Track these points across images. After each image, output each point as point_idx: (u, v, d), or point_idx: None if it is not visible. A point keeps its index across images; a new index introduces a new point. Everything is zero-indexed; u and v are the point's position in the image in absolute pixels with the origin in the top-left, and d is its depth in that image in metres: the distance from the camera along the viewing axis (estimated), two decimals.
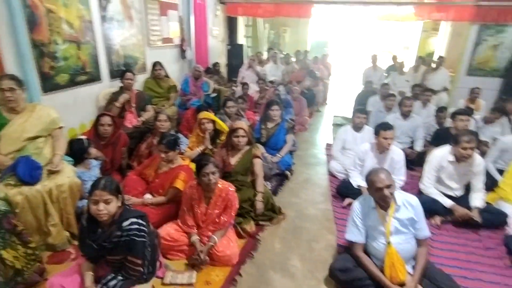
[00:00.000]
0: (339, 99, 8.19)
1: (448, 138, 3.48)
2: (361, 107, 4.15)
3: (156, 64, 4.51)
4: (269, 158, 3.69)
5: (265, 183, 3.26)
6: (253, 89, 5.97)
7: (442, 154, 2.95)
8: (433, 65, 6.53)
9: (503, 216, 2.77)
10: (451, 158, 2.90)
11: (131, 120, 3.71)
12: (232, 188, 2.37)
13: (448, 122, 4.27)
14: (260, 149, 3.07)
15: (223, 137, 3.36)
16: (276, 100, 4.09)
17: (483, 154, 3.60)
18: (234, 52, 7.47)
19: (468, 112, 3.67)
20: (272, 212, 2.84)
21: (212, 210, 2.33)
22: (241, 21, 8.62)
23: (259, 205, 2.75)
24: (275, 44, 10.43)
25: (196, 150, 3.42)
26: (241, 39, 8.55)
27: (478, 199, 2.85)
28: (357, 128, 3.79)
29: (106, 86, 3.90)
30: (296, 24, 10.70)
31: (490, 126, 4.22)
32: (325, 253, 2.45)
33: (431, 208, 2.84)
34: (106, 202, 1.65)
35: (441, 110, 4.41)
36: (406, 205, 2.05)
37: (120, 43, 4.10)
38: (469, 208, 2.81)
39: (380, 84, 6.12)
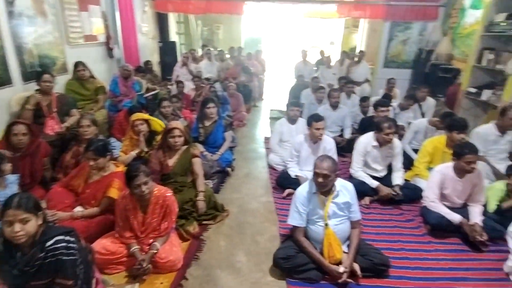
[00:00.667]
0: (275, 93, 8.40)
1: (373, 125, 3.79)
2: (294, 100, 4.31)
3: (78, 64, 4.09)
4: (209, 156, 3.64)
5: (206, 181, 3.21)
6: (189, 87, 5.81)
7: (367, 141, 3.21)
8: (356, 59, 7.06)
9: (419, 190, 3.10)
10: (375, 143, 3.17)
11: (53, 127, 3.33)
12: (169, 193, 2.26)
13: (371, 111, 4.65)
14: (198, 148, 3.00)
15: (159, 138, 3.20)
16: (211, 97, 4.02)
17: (400, 137, 4.01)
18: (167, 49, 7.18)
19: (387, 104, 4.03)
20: (215, 210, 2.80)
21: (150, 219, 2.19)
22: (172, 18, 8.29)
23: (201, 205, 2.69)
24: (208, 41, 10.27)
25: (130, 154, 3.20)
26: (173, 36, 8.24)
27: (398, 177, 3.17)
28: (292, 120, 3.92)
29: (19, 90, 3.43)
30: (229, 20, 10.65)
31: (405, 112, 4.69)
32: (270, 245, 2.49)
33: (360, 190, 3.02)
34: (23, 221, 1.45)
35: (364, 99, 4.79)
36: (343, 190, 2.19)
37: (33, 42, 3.63)
38: (392, 186, 3.11)
39: (310, 77, 6.43)
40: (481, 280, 2.19)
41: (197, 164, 2.87)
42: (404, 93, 6.49)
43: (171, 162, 2.85)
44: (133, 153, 3.19)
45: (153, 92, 5.43)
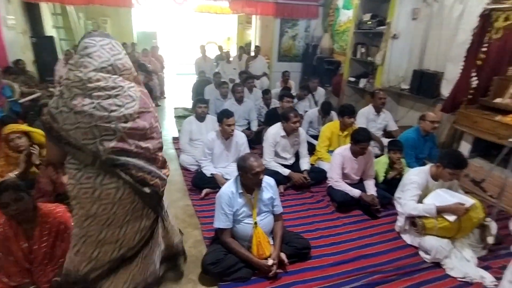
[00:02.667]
0: (177, 91, 7.98)
1: (277, 116, 3.92)
2: (200, 97, 4.11)
3: None
4: None
5: None
6: None
7: (275, 131, 3.28)
8: (252, 54, 7.23)
9: (324, 173, 3.36)
10: (283, 133, 3.27)
11: None
12: (60, 207, 1.86)
13: (274, 103, 4.82)
14: None
15: (45, 152, 2.61)
16: None
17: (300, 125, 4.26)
18: (43, 46, 5.97)
19: (292, 95, 4.22)
20: None
21: (38, 244, 1.76)
22: (46, 9, 6.93)
23: None
24: None
25: (8, 176, 2.52)
26: (49, 30, 6.91)
27: (305, 163, 3.36)
28: (201, 118, 3.74)
29: None
30: (117, 14, 9.53)
31: (302, 102, 5.03)
32: (195, 251, 2.31)
33: (274, 179, 3.13)
34: None
35: (266, 92, 4.92)
36: (267, 186, 2.15)
37: None
38: (301, 172, 3.28)
39: (212, 73, 6.30)
40: (381, 242, 2.49)
41: None
42: (298, 84, 7.04)
43: (66, 178, 2.35)
44: (12, 175, 2.52)
45: (31, 97, 4.47)
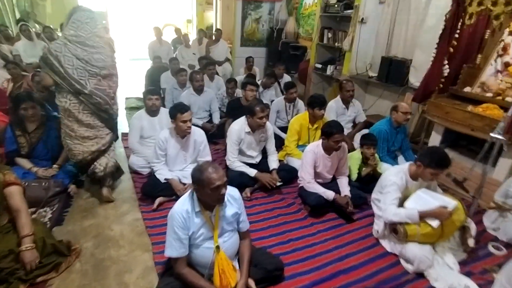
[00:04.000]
0: (129, 78, 7.16)
1: (240, 108, 3.50)
2: (150, 87, 3.51)
3: None
4: (41, 173, 2.57)
5: (39, 213, 2.24)
6: (3, 77, 4.13)
7: (239, 128, 2.86)
8: (214, 37, 6.63)
9: (294, 171, 3.02)
10: (247, 129, 2.86)
11: None
12: None
13: (237, 92, 4.37)
14: (11, 172, 1.95)
15: None
16: (29, 92, 2.79)
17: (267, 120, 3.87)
18: None
19: (256, 83, 3.78)
20: (57, 256, 1.92)
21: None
22: None
23: (29, 256, 1.76)
24: (29, 14, 7.76)
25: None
26: None
27: (274, 161, 2.99)
28: (152, 112, 3.20)
29: None
30: None
31: (268, 90, 4.63)
32: (144, 282, 1.87)
33: (240, 181, 2.75)
34: None
35: (229, 81, 4.44)
36: (230, 199, 1.74)
37: None
38: (269, 171, 2.92)
39: (168, 59, 5.64)
40: (360, 251, 2.22)
41: (15, 195, 1.87)
42: (262, 71, 6.61)
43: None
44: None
45: None
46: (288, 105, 4.00)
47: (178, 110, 2.55)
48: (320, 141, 2.68)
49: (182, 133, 2.67)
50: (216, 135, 3.91)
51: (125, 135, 3.84)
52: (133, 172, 3.08)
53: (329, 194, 2.54)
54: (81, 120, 2.36)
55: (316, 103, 3.13)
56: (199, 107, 4.03)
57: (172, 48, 6.92)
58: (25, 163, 2.62)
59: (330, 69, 5.12)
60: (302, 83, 5.81)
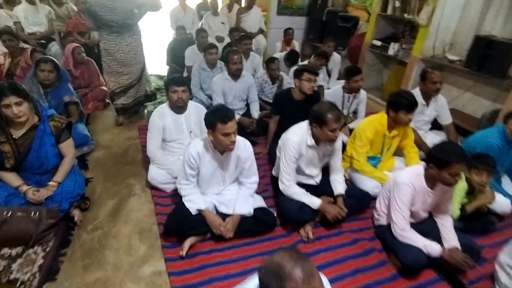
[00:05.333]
0: (148, 51, 6.25)
1: (292, 104, 2.67)
2: (176, 76, 2.60)
3: None
4: (31, 195, 1.88)
5: (29, 254, 1.59)
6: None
7: (299, 140, 2.03)
8: (245, 4, 5.59)
9: (367, 197, 2.23)
10: (311, 141, 2.03)
11: None
12: None
13: (286, 78, 3.51)
14: None
15: None
16: (14, 83, 1.94)
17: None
18: None
19: (315, 70, 2.86)
20: None
21: None
22: None
23: None
24: None
25: None
26: None
27: (340, 183, 2.18)
28: (178, 108, 2.39)
29: None
30: None
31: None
32: None
33: (299, 218, 2.01)
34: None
35: (271, 60, 3.52)
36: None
37: None
38: (332, 195, 2.13)
39: (194, 29, 4.72)
40: None
41: None
42: (300, 45, 5.59)
43: None
44: None
45: None
46: (348, 96, 3.11)
47: (218, 118, 1.73)
48: (420, 168, 1.83)
49: (223, 149, 1.88)
50: (254, 132, 3.10)
51: (143, 130, 3.09)
52: (153, 188, 2.35)
53: (435, 249, 1.73)
54: (116, 58, 3.02)
55: (403, 105, 2.24)
56: (235, 96, 3.20)
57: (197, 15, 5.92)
58: (11, 178, 1.93)
59: (393, 48, 4.08)
60: (352, 62, 4.80)
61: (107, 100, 3.61)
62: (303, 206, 2.00)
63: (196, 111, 2.44)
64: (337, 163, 2.22)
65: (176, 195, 2.12)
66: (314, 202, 2.02)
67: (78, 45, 3.45)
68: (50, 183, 1.99)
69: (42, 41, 3.94)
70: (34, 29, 4.04)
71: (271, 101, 3.50)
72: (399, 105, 2.25)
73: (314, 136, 2.02)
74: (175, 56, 4.43)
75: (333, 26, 5.09)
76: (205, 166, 1.94)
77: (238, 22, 5.33)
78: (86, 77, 3.53)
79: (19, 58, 3.30)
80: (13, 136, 1.92)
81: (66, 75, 2.71)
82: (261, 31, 5.44)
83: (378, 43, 4.29)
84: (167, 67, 4.68)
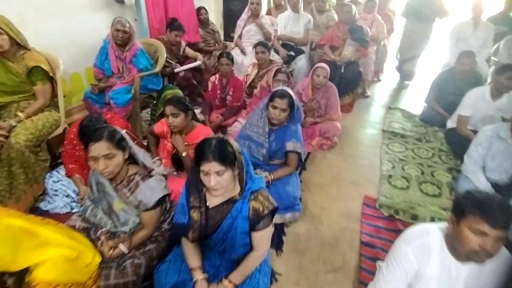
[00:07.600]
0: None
1: None
2: None
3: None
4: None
5: None
6: (248, 60, 3.33)
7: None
8: None
9: None
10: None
11: None
12: None
13: None
14: None
15: None
16: (221, 149, 1.27)
17: None
18: None
19: None
20: None
21: None
22: None
23: None
24: None
25: None
26: None
27: None
28: None
29: None
30: None
31: None
32: None
33: None
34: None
35: None
36: None
37: None
38: None
39: None
40: None
41: None
42: None
43: None
44: None
45: (188, 66, 3.18)
46: None
47: None
48: None
49: None
50: None
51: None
52: None
53: None
54: None
55: None
56: None
57: None
58: (192, 254, 1.42)
59: None
60: None
61: (335, 139, 2.81)
62: None
63: None
64: None
65: None
66: None
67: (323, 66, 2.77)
68: (224, 281, 1.36)
69: (292, 53, 3.62)
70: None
71: None
72: None
73: None
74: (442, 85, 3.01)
75: None
76: None
77: None
78: (323, 105, 2.85)
79: (265, 71, 3.04)
80: (207, 204, 1.39)
81: (299, 115, 2.00)
82: None
83: None
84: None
